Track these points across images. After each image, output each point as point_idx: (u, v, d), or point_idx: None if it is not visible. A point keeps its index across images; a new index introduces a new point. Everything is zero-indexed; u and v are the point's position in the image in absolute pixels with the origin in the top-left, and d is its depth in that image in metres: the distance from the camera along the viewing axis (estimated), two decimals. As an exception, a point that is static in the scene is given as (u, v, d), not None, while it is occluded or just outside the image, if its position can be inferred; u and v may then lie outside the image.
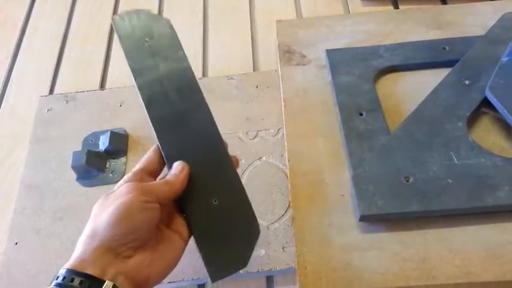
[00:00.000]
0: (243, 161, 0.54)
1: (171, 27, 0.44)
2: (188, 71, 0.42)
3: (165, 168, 0.39)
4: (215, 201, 0.37)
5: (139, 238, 0.33)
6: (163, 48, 0.43)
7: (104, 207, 0.33)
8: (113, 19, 0.44)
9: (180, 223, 0.36)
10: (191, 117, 0.40)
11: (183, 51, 0.44)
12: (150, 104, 0.40)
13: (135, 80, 0.41)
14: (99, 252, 0.31)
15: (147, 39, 0.43)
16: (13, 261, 0.48)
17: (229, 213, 0.37)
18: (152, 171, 0.38)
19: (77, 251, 0.32)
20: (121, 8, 0.73)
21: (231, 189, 0.38)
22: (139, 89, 0.41)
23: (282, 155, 0.54)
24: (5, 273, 0.47)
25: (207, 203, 0.37)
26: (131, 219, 0.32)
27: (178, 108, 0.40)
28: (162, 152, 0.39)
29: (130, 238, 0.32)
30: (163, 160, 0.39)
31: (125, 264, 0.32)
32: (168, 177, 0.36)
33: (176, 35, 0.44)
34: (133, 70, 0.42)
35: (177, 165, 0.37)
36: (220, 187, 0.38)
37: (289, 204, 0.50)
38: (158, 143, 0.39)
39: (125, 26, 0.43)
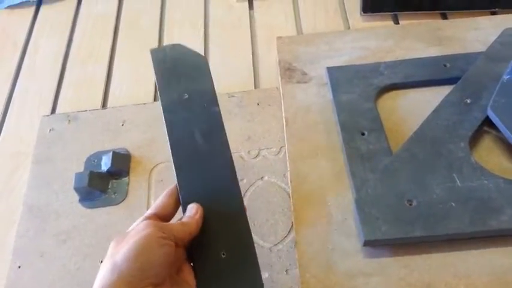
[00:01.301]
0: (244, 181, 0.53)
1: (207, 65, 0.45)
2: (217, 115, 0.42)
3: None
4: (223, 254, 0.37)
5: (158, 275, 0.33)
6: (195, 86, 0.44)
7: (122, 244, 0.33)
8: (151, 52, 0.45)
9: (188, 271, 0.36)
10: (213, 162, 0.40)
11: (215, 95, 0.44)
12: (175, 143, 0.40)
13: (164, 117, 0.42)
14: (119, 286, 0.31)
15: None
16: (16, 285, 0.48)
17: (235, 268, 0.36)
18: (165, 216, 0.38)
19: (97, 285, 0.32)
20: (122, 28, 0.73)
21: (240, 243, 0.37)
22: (167, 126, 0.41)
23: (284, 175, 0.53)
24: (8, 298, 0.47)
25: (215, 255, 0.37)
26: (150, 253, 0.32)
27: (202, 151, 0.40)
28: (180, 194, 0.39)
29: (150, 274, 0.32)
30: (178, 204, 0.39)
31: None
32: (183, 218, 0.37)
33: (210, 75, 0.45)
34: (163, 107, 0.43)
35: (192, 207, 0.37)
36: (230, 239, 0.37)
37: (292, 225, 0.50)
38: (177, 185, 0.39)
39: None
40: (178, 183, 0.39)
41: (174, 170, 0.39)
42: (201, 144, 0.40)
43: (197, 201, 0.38)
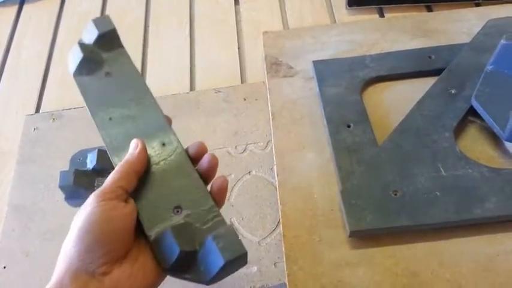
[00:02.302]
0: (232, 176, 0.53)
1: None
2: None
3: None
4: (177, 210, 0.33)
5: (112, 251, 0.30)
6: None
7: (73, 224, 0.31)
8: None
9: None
10: (140, 116, 0.38)
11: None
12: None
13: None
14: (72, 276, 0.29)
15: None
16: (2, 286, 0.47)
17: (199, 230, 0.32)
18: None
19: (53, 278, 0.30)
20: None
21: (195, 195, 0.34)
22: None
23: (271, 169, 0.53)
24: (-6, 299, 0.46)
25: (167, 213, 0.33)
26: (98, 232, 0.29)
27: (129, 110, 0.39)
28: (106, 145, 0.37)
29: (101, 252, 0.29)
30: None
31: (101, 284, 0.29)
32: (125, 157, 0.34)
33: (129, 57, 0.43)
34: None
35: (132, 142, 0.35)
36: (182, 192, 0.34)
37: (279, 218, 0.50)
38: (103, 141, 0.38)
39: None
40: (104, 140, 0.38)
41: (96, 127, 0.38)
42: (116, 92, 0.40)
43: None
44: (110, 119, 0.39)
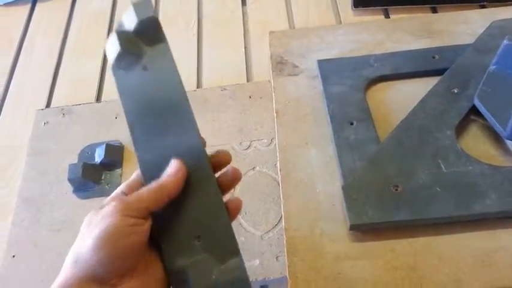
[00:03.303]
0: (237, 171, 0.54)
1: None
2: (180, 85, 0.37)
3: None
4: (198, 240, 0.33)
5: (125, 265, 0.30)
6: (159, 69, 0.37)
7: (90, 229, 0.30)
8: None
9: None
10: (176, 127, 0.35)
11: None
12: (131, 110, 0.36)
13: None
14: (82, 282, 0.29)
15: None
16: (11, 274, 0.48)
17: (213, 257, 0.32)
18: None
19: (61, 277, 0.30)
20: (116, 22, 0.74)
21: (216, 225, 0.33)
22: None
23: (275, 165, 0.54)
24: (3, 286, 0.48)
25: (187, 239, 0.33)
26: (114, 246, 0.29)
27: (163, 119, 0.35)
28: (138, 163, 0.34)
29: (116, 266, 0.29)
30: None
31: None
32: (162, 178, 0.32)
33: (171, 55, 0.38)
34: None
35: (173, 163, 0.33)
36: (204, 220, 0.33)
37: (282, 214, 0.50)
38: (135, 151, 0.35)
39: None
40: (135, 148, 0.35)
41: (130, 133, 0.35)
42: (161, 111, 0.35)
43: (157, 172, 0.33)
44: (145, 128, 0.36)
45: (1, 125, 0.63)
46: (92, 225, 0.30)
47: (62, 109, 0.62)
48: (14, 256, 0.50)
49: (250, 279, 0.46)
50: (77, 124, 0.60)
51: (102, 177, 0.54)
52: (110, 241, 0.29)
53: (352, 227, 0.40)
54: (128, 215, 0.30)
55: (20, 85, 0.68)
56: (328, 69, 0.56)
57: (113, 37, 0.37)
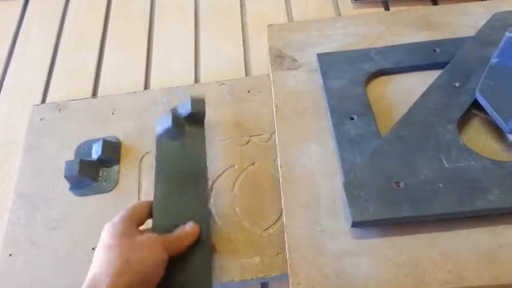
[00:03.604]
0: (236, 167, 0.54)
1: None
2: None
3: None
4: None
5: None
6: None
7: (133, 248, 0.37)
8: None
9: None
10: (190, 198, 0.45)
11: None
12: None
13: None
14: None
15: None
16: (7, 273, 0.48)
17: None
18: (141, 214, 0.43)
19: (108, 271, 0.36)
20: (112, 15, 0.73)
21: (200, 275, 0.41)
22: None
23: (274, 160, 0.54)
24: (0, 285, 0.47)
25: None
26: (152, 272, 0.37)
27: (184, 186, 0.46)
28: (153, 211, 0.44)
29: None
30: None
31: None
32: (185, 230, 0.42)
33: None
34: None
35: (193, 225, 0.42)
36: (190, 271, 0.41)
37: (282, 209, 0.50)
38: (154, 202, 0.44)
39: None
40: (154, 202, 0.44)
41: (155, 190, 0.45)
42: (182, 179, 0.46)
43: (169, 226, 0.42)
44: (165, 189, 0.46)
45: (-4, 121, 0.62)
46: (135, 249, 0.38)
47: (58, 105, 0.61)
48: (10, 255, 0.49)
49: (250, 277, 0.46)
50: (73, 120, 0.59)
51: (100, 174, 0.53)
52: (150, 268, 0.37)
53: (354, 224, 0.39)
54: (164, 251, 0.39)
55: (15, 79, 0.67)
56: (328, 62, 0.56)
57: (168, 115, 0.50)
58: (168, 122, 0.50)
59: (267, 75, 0.60)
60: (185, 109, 0.51)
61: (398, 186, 0.41)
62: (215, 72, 0.64)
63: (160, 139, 0.50)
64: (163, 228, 0.42)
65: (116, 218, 0.40)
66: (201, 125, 0.52)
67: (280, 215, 0.50)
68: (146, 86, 0.64)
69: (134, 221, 0.41)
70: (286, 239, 0.40)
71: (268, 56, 0.60)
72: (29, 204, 0.52)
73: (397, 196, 0.40)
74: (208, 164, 0.49)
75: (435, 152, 0.43)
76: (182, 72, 0.64)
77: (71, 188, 0.53)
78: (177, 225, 0.42)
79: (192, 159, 0.49)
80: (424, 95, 0.49)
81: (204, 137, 0.51)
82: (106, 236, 0.38)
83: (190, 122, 0.51)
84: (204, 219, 0.44)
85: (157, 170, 0.48)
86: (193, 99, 0.52)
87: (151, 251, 0.37)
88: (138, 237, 0.39)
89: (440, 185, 0.40)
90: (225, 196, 0.51)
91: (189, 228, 0.42)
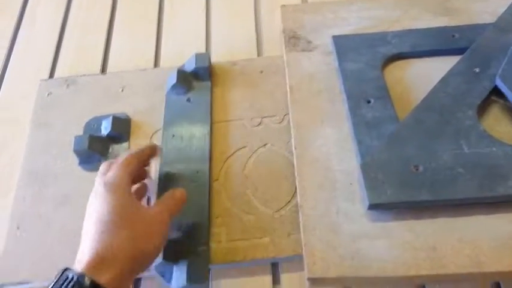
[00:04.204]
0: (247, 148, 0.53)
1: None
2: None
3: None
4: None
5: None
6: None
7: (132, 218, 0.37)
8: None
9: None
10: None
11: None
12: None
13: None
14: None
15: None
16: (15, 247, 0.47)
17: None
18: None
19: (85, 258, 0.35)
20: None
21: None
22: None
23: (287, 142, 0.53)
24: (7, 259, 0.46)
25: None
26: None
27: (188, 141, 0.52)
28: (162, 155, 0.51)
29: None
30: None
31: None
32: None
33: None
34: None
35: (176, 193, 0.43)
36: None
37: (295, 191, 0.49)
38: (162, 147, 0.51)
39: None
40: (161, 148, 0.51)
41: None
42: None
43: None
44: (173, 136, 0.52)
45: (3, 96, 0.61)
46: (137, 213, 0.38)
47: (66, 80, 0.59)
48: (18, 228, 0.48)
49: (261, 257, 0.45)
50: (82, 96, 0.58)
51: (109, 151, 0.53)
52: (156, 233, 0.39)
53: (371, 207, 0.38)
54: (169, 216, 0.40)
55: (22, 54, 0.65)
56: (344, 45, 0.55)
57: (175, 72, 0.55)
58: (174, 79, 0.54)
59: (280, 56, 0.59)
60: (190, 65, 0.56)
61: (417, 170, 0.40)
62: (227, 52, 0.63)
63: (168, 96, 0.55)
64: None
65: (113, 178, 0.39)
66: (207, 79, 0.56)
67: (293, 197, 0.49)
68: (156, 64, 0.63)
69: (131, 178, 0.40)
70: (300, 219, 0.40)
71: (281, 37, 0.59)
72: (37, 179, 0.51)
73: (415, 180, 0.39)
74: (214, 144, 0.53)
75: (455, 138, 0.42)
76: (193, 51, 0.63)
77: (80, 163, 0.52)
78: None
79: (197, 113, 0.53)
80: (444, 80, 0.48)
81: (210, 90, 0.55)
82: (107, 201, 0.37)
83: (196, 78, 0.56)
84: (203, 158, 0.50)
85: (164, 127, 0.53)
86: (197, 55, 0.56)
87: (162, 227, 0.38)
88: (143, 210, 0.38)
89: (460, 170, 0.39)
90: (236, 177, 0.51)
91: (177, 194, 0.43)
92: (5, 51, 0.65)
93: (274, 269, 0.47)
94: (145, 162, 0.45)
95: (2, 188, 0.53)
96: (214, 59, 0.62)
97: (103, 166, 0.41)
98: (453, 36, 0.54)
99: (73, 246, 0.46)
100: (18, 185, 0.51)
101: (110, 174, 0.39)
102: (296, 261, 0.46)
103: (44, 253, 0.46)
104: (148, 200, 0.49)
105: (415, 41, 0.54)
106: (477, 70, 0.48)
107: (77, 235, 0.47)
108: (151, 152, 0.45)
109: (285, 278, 0.46)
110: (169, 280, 0.43)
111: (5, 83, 0.62)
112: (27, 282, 0.45)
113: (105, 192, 0.37)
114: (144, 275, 0.46)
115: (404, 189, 0.39)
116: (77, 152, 0.51)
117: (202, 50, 0.64)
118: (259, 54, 0.63)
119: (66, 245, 0.47)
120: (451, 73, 0.48)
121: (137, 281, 0.47)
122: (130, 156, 0.41)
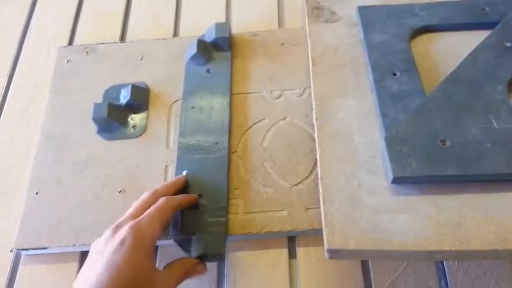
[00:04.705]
0: (266, 120, 0.52)
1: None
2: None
3: None
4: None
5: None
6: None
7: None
8: None
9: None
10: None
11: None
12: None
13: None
14: None
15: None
16: (34, 211, 0.47)
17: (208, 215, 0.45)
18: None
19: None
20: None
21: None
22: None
23: (307, 116, 0.52)
24: (26, 223, 0.47)
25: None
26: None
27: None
28: (180, 126, 0.52)
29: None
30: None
31: None
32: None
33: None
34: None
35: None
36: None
37: (313, 166, 0.48)
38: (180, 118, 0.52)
39: None
40: (180, 119, 0.52)
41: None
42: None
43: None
44: (193, 107, 0.52)
45: (22, 62, 0.61)
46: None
47: (85, 47, 0.59)
48: (36, 193, 0.49)
49: (278, 230, 0.45)
50: (101, 64, 0.57)
51: (128, 119, 0.52)
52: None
53: (395, 180, 0.37)
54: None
55: (41, 21, 0.65)
56: (370, 16, 0.53)
57: (194, 42, 0.55)
58: (194, 49, 0.54)
59: (302, 28, 0.57)
60: (210, 35, 0.55)
61: (444, 144, 0.39)
62: (247, 23, 0.62)
63: (188, 67, 0.55)
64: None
65: (146, 225, 0.38)
66: (227, 50, 0.56)
67: (311, 172, 0.48)
68: (175, 34, 0.62)
69: (162, 229, 0.39)
70: (321, 190, 0.39)
71: (303, 8, 0.57)
72: (56, 145, 0.52)
73: (442, 154, 0.38)
74: (233, 116, 0.52)
75: (484, 112, 0.40)
76: (213, 21, 0.62)
77: (98, 131, 0.52)
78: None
79: (218, 83, 0.53)
80: (473, 54, 0.46)
81: (229, 60, 0.55)
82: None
83: (216, 48, 0.56)
84: (223, 129, 0.50)
85: (183, 98, 0.53)
86: (218, 25, 0.56)
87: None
88: (156, 275, 0.36)
89: (489, 145, 0.38)
90: (254, 149, 0.50)
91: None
92: (25, 16, 0.65)
93: (291, 242, 0.47)
94: (178, 208, 0.42)
95: (21, 151, 0.53)
96: (234, 29, 0.61)
97: (108, 231, 0.37)
98: (483, 9, 0.52)
99: (91, 213, 0.47)
100: (37, 150, 0.52)
101: (144, 221, 0.37)
102: (313, 235, 0.46)
103: (62, 217, 0.47)
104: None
105: (443, 14, 0.52)
106: (508, 44, 0.46)
107: (95, 202, 0.48)
108: (185, 199, 0.44)
109: (301, 252, 0.46)
110: (188, 250, 0.43)
111: (24, 48, 0.62)
112: (45, 247, 0.45)
113: (131, 244, 0.35)
114: (162, 243, 0.46)
115: (430, 163, 0.38)
116: (96, 120, 0.50)
117: (222, 20, 0.63)
118: (280, 25, 0.61)
119: (84, 210, 0.47)
120: (481, 47, 0.46)
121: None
122: (167, 203, 0.40)
